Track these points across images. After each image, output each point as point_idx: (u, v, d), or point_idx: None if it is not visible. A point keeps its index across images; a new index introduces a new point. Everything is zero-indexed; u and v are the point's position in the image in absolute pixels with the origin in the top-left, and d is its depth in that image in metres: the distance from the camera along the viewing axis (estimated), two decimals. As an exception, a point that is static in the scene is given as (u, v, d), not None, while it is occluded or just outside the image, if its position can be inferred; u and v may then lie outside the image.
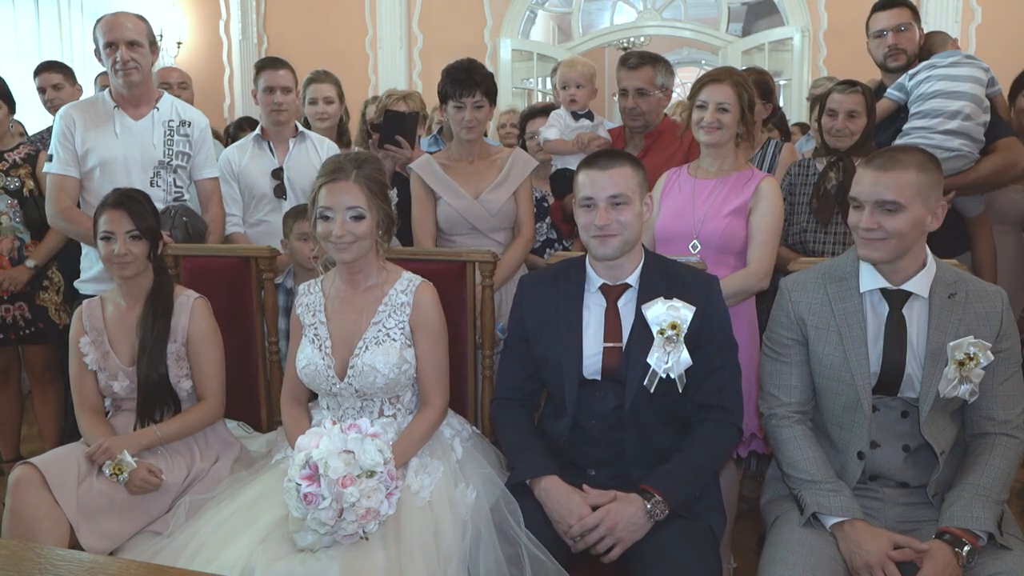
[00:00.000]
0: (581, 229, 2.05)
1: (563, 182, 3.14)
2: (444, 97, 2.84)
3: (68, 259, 3.40)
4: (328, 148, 3.39)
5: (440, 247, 2.83)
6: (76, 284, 3.05)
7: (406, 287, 2.16)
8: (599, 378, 2.01)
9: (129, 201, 2.30)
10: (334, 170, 2.07)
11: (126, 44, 2.83)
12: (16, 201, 3.35)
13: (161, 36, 6.70)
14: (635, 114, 3.10)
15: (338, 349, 2.13)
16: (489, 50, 7.68)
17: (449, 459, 2.14)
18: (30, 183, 3.38)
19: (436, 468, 2.07)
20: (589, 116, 3.15)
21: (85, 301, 2.44)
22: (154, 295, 2.34)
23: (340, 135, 3.75)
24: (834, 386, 1.95)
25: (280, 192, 3.25)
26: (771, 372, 2.05)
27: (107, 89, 3.04)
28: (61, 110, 2.98)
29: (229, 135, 4.57)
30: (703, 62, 13.47)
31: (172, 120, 3.04)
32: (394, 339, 2.11)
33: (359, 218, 2.06)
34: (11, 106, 3.52)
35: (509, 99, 7.36)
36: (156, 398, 2.28)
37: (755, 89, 3.03)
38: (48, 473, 2.01)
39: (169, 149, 3.01)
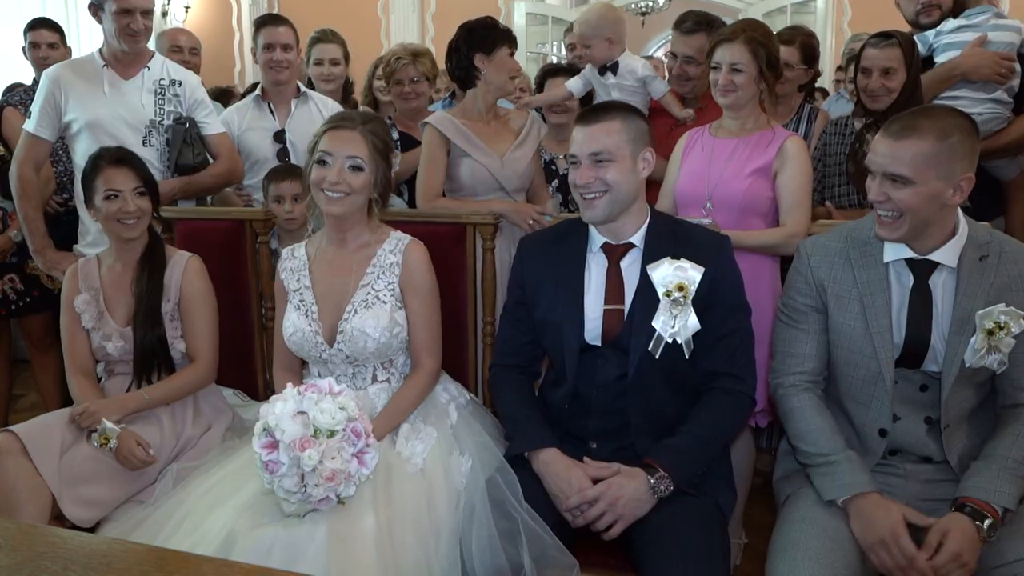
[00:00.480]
0: (571, 187, 1.94)
1: None
2: (472, 50, 2.64)
3: (55, 222, 3.31)
4: (332, 108, 3.27)
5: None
6: (76, 248, 2.96)
7: (395, 247, 2.06)
8: (600, 344, 1.90)
9: (129, 155, 2.25)
10: (341, 118, 2.02)
11: (141, 12, 2.75)
12: None
13: (168, 1, 6.60)
14: (683, 80, 2.97)
15: (325, 314, 2.04)
16: (503, 14, 7.50)
17: (444, 425, 2.05)
18: (0, 148, 3.29)
19: (429, 434, 1.98)
20: (614, 69, 2.98)
21: (80, 260, 2.37)
22: (148, 255, 2.27)
23: (345, 98, 3.63)
24: (854, 358, 1.83)
25: (283, 156, 3.14)
26: (785, 339, 1.93)
27: (97, 50, 2.94)
28: (49, 70, 2.88)
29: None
30: (726, 21, 13.18)
31: (163, 79, 2.94)
32: (384, 301, 2.02)
33: (357, 169, 1.97)
34: None
35: (524, 63, 7.19)
36: (152, 359, 2.21)
37: (800, 51, 2.90)
38: (29, 441, 1.94)
39: (160, 108, 2.91)
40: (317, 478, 1.65)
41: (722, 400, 1.88)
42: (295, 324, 2.05)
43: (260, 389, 2.57)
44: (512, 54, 2.68)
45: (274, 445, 1.66)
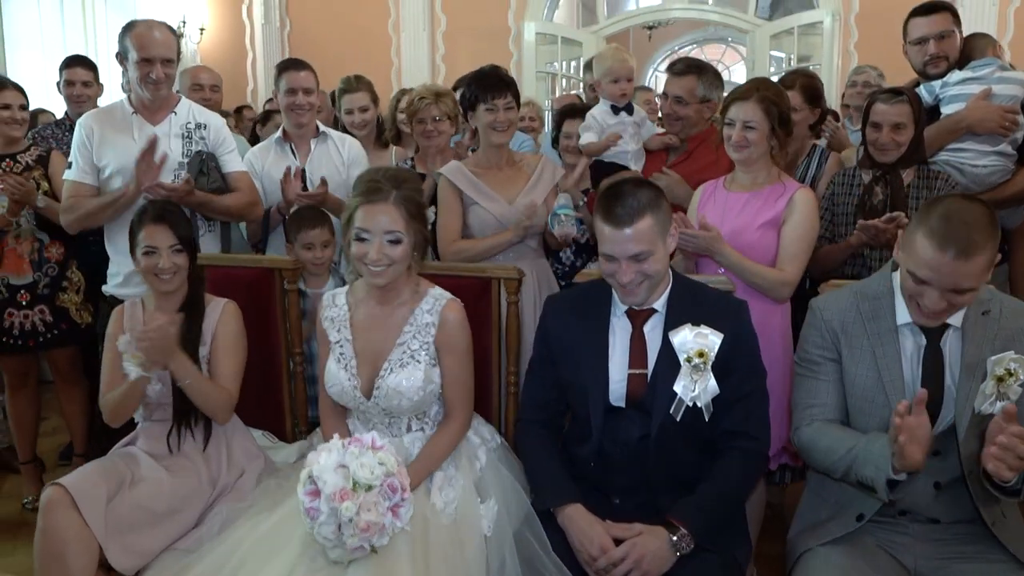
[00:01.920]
0: (604, 275, 2.01)
1: (600, 174, 3.10)
2: (474, 102, 2.81)
3: (89, 258, 3.41)
4: (350, 147, 3.37)
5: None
6: (105, 289, 3.05)
7: (432, 306, 2.13)
8: (623, 405, 1.99)
9: (168, 214, 2.34)
10: (372, 190, 2.03)
11: (161, 62, 2.82)
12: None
13: (184, 23, 6.69)
14: (672, 119, 3.10)
15: (363, 368, 2.13)
16: (513, 33, 7.62)
17: (472, 469, 2.15)
18: (45, 184, 3.36)
19: (458, 481, 2.08)
20: (629, 109, 3.09)
21: (127, 301, 2.47)
22: (188, 304, 2.36)
23: (379, 136, 3.75)
24: (867, 407, 1.91)
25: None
26: (806, 390, 2.01)
27: (126, 96, 3.03)
28: (82, 119, 2.98)
29: (256, 129, 4.57)
30: (729, 39, 13.27)
31: (189, 123, 3.03)
32: (419, 361, 2.10)
33: (396, 242, 2.03)
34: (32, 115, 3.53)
35: (533, 82, 7.30)
36: (191, 403, 2.29)
37: (801, 94, 2.99)
38: (77, 494, 2.03)
39: (188, 151, 3.00)
40: (353, 528, 1.75)
41: (739, 459, 1.97)
42: (335, 376, 2.14)
43: (288, 430, 2.66)
44: (488, 108, 2.78)
45: (317, 493, 1.77)
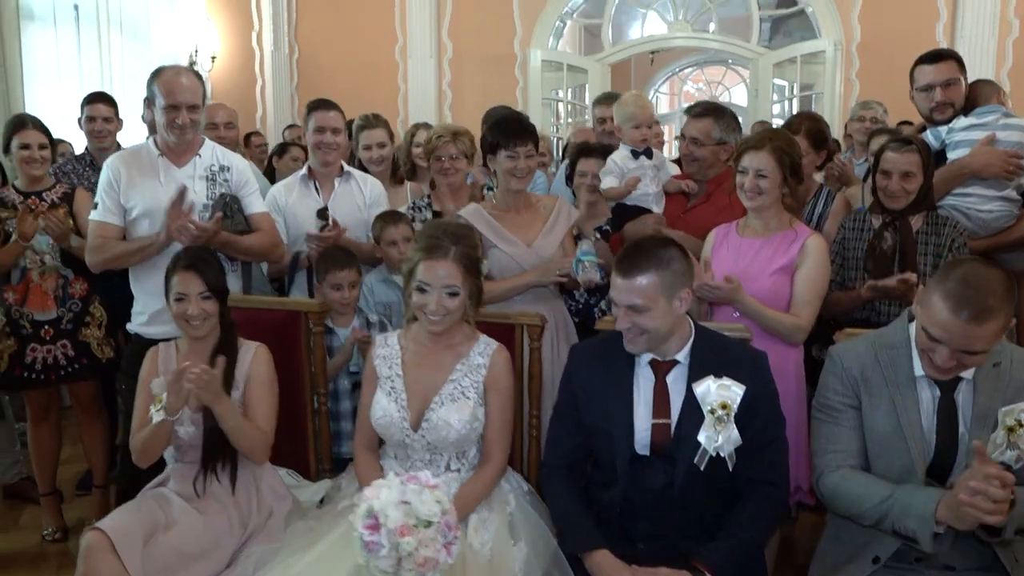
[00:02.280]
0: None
1: (623, 217, 3.18)
2: (494, 147, 2.88)
3: (110, 294, 3.46)
4: (372, 187, 3.45)
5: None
6: (129, 327, 3.10)
7: (483, 350, 2.30)
8: (648, 453, 2.06)
9: (200, 262, 2.41)
10: (434, 247, 2.21)
11: (187, 108, 2.88)
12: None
13: (196, 51, 6.78)
14: (689, 160, 3.17)
15: (413, 402, 2.25)
16: (519, 60, 7.72)
17: (503, 512, 2.22)
18: (69, 221, 3.40)
19: (492, 523, 2.15)
20: (648, 153, 3.18)
21: (160, 345, 2.53)
22: (221, 348, 2.42)
23: (394, 172, 3.83)
24: (886, 453, 1.98)
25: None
26: (826, 435, 2.08)
27: (152, 138, 3.09)
28: (108, 161, 3.02)
29: (272, 160, 4.65)
30: (729, 61, 13.39)
31: (213, 165, 3.08)
32: (468, 397, 2.23)
33: (453, 295, 2.20)
34: (53, 147, 3.55)
35: (539, 109, 7.39)
36: (221, 446, 2.35)
37: (807, 139, 3.07)
38: (116, 538, 2.08)
39: (212, 194, 3.05)
40: (411, 563, 1.80)
41: (762, 505, 2.04)
42: (384, 408, 2.26)
43: (312, 469, 2.72)
44: (510, 155, 2.84)
45: (376, 527, 1.81)
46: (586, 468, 2.24)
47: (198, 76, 3.00)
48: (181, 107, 2.89)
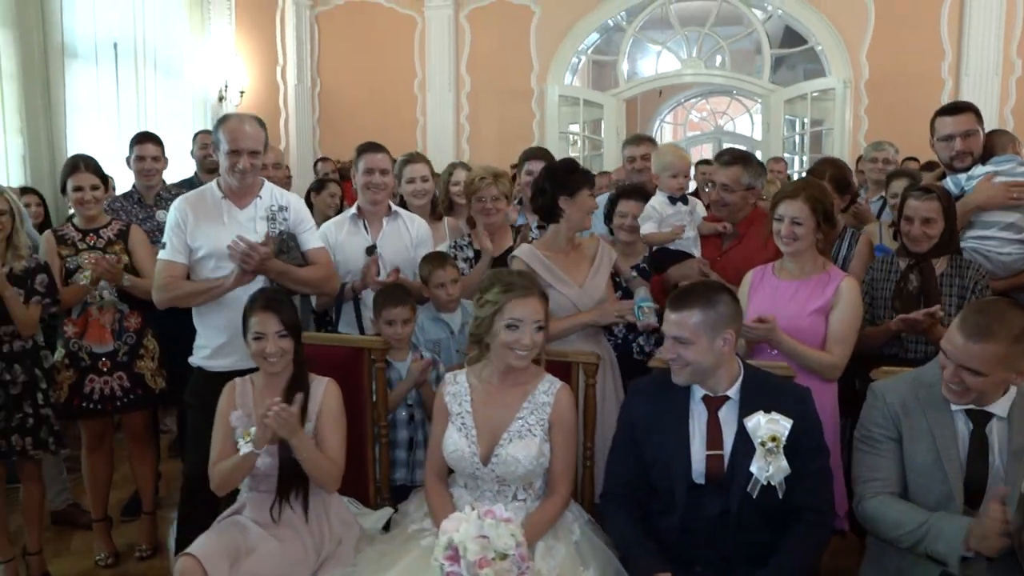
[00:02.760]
0: None
1: (662, 260, 3.36)
2: (576, 188, 2.98)
3: (162, 327, 3.61)
4: (418, 226, 3.61)
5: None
6: (192, 360, 3.23)
7: (548, 388, 2.44)
8: (703, 482, 2.22)
9: (275, 303, 2.57)
10: (522, 287, 2.39)
11: (248, 153, 3.04)
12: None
13: (227, 86, 6.98)
14: (719, 205, 3.38)
15: (483, 437, 2.40)
16: (535, 94, 7.93)
17: (569, 540, 2.37)
18: (125, 258, 3.56)
19: (559, 550, 2.30)
20: (684, 200, 3.38)
21: (237, 380, 2.67)
22: (293, 385, 2.57)
23: (432, 209, 3.99)
24: (926, 482, 2.16)
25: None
26: (868, 465, 2.25)
27: (215, 181, 3.25)
28: (176, 203, 3.15)
29: (310, 196, 4.83)
30: (734, 92, 13.65)
31: (272, 206, 3.22)
32: (534, 435, 2.38)
33: (541, 328, 2.37)
34: (106, 185, 3.69)
35: (556, 142, 7.59)
36: (295, 477, 2.50)
37: (831, 184, 3.25)
38: (207, 563, 2.24)
39: (272, 233, 3.20)
40: None
41: (809, 532, 2.21)
42: (456, 443, 2.41)
43: (371, 497, 2.86)
44: (592, 194, 3.04)
45: (456, 559, 1.96)
46: (643, 497, 2.38)
47: (260, 123, 3.15)
48: (243, 152, 3.04)
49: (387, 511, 2.74)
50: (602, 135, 7.76)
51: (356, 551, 2.51)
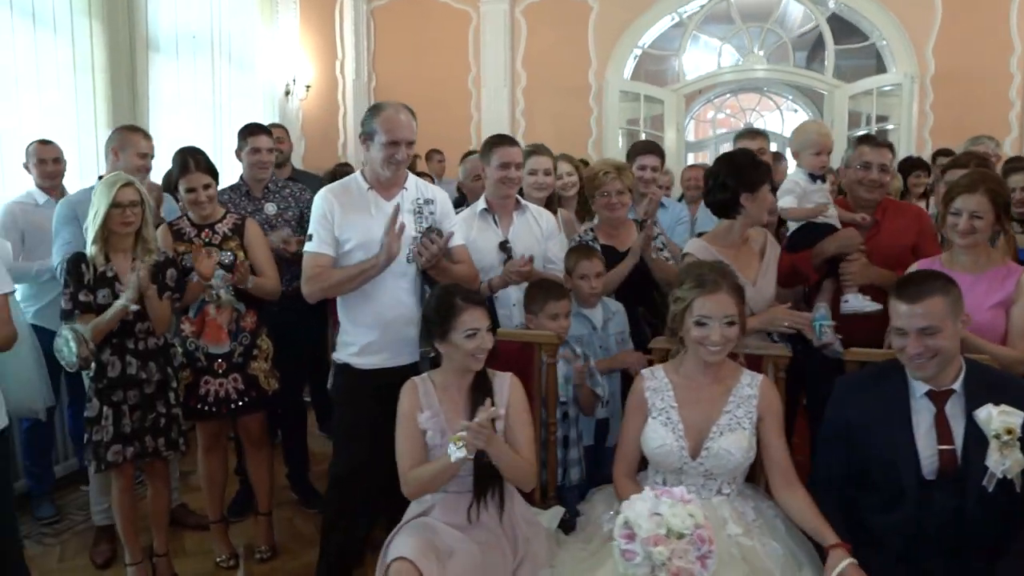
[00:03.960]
0: (896, 351, 2.24)
1: (814, 235, 3.23)
2: (755, 185, 2.94)
3: (274, 327, 3.56)
4: (547, 219, 3.54)
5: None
6: (336, 357, 3.15)
7: (750, 381, 2.43)
8: (935, 478, 2.18)
9: (480, 297, 2.59)
10: (710, 282, 2.35)
11: (405, 144, 2.98)
12: (231, 275, 3.38)
13: (295, 81, 6.90)
14: (875, 186, 3.25)
15: (690, 432, 2.37)
16: (593, 89, 7.87)
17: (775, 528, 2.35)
18: (241, 254, 3.46)
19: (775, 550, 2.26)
20: (823, 178, 3.30)
21: (416, 379, 2.59)
22: (477, 384, 2.52)
23: (549, 203, 3.92)
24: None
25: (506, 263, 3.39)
26: None
27: (360, 172, 3.17)
28: (321, 193, 3.08)
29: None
30: (764, 88, 13.60)
31: (419, 198, 3.15)
32: (744, 428, 2.36)
33: (732, 324, 2.33)
34: (216, 178, 3.56)
35: (616, 137, 7.53)
36: (490, 477, 2.44)
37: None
38: (421, 564, 2.18)
39: (420, 226, 3.12)
40: (665, 572, 1.91)
41: None
42: (662, 438, 2.37)
43: (537, 496, 2.80)
44: (772, 189, 2.99)
45: (631, 537, 1.94)
46: (852, 493, 2.34)
47: (412, 113, 3.09)
48: (400, 143, 2.97)
49: (559, 509, 2.68)
50: (663, 131, 7.69)
51: (548, 552, 2.45)
